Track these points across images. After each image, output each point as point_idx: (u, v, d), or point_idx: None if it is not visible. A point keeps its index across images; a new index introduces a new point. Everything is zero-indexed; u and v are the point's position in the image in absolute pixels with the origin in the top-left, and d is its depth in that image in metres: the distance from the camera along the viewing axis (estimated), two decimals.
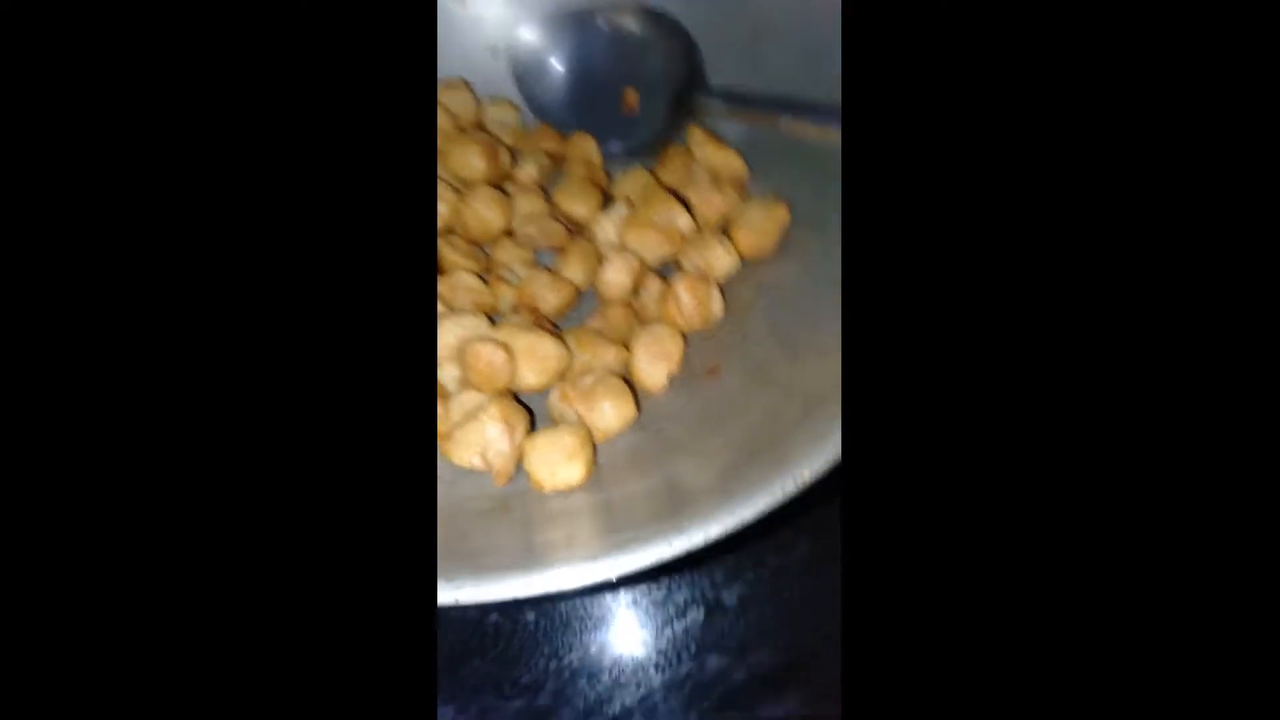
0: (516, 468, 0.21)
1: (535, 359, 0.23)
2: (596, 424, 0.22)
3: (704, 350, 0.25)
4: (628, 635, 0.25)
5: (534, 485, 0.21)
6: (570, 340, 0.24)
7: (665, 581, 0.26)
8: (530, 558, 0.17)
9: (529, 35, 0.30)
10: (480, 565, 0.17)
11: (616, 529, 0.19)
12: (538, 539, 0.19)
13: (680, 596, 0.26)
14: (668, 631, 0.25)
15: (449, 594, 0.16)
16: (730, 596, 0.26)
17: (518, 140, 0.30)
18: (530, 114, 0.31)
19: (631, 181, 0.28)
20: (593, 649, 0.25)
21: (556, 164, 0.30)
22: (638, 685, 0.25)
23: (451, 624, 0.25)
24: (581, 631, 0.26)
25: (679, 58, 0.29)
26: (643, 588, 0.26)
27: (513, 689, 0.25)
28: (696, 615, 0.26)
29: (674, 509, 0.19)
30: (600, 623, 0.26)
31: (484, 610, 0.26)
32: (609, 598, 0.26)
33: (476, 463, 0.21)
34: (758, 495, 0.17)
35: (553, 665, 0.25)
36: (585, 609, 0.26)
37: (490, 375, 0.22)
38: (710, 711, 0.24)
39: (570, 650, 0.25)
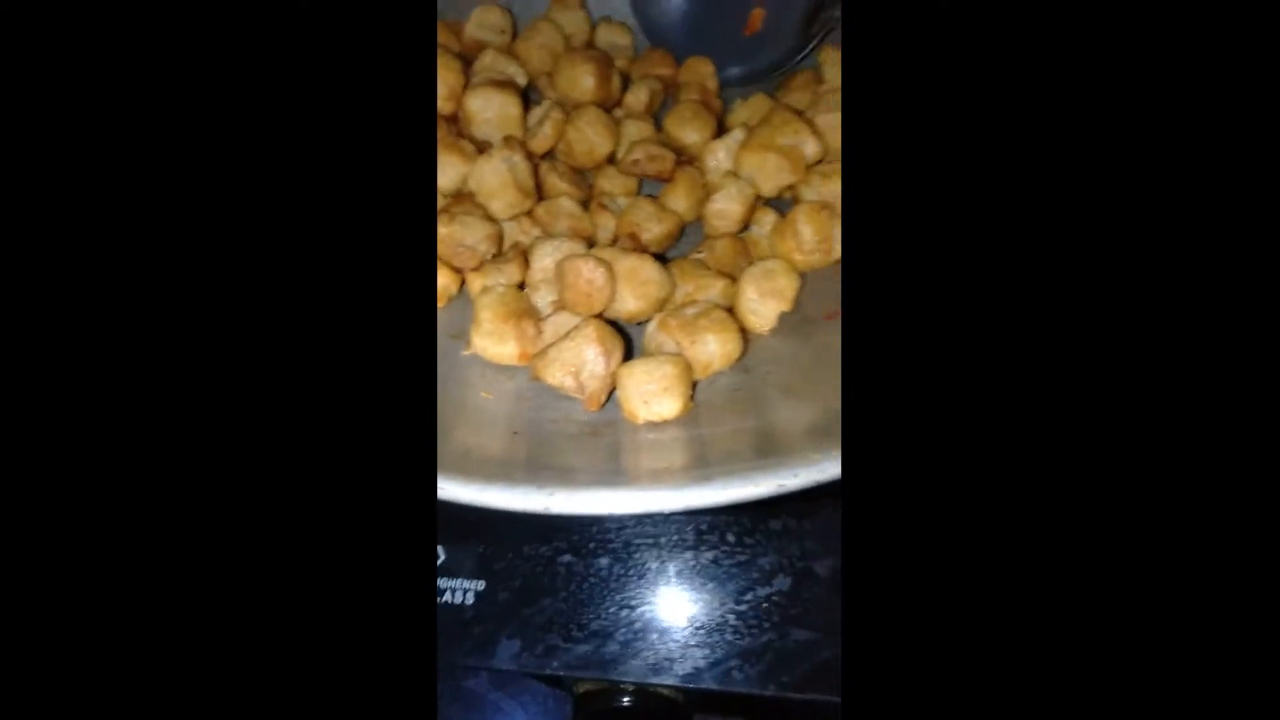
0: (609, 395, 0.20)
1: (636, 282, 0.21)
2: (698, 358, 0.20)
3: (823, 292, 0.22)
4: (706, 595, 0.24)
5: (626, 415, 0.19)
6: (674, 271, 0.22)
7: (750, 543, 0.24)
8: (618, 478, 0.16)
9: None
10: (570, 480, 0.15)
11: (697, 465, 0.17)
12: (625, 464, 0.18)
13: (766, 561, 0.24)
14: (750, 596, 0.23)
15: (540, 501, 0.15)
16: (822, 567, 0.23)
17: (629, 64, 0.28)
18: (644, 38, 0.29)
19: (751, 108, 0.26)
20: (666, 604, 0.24)
21: (669, 90, 0.28)
22: (711, 648, 0.23)
23: (524, 560, 0.25)
24: (656, 584, 0.24)
25: None
26: (725, 546, 0.24)
27: (581, 632, 0.24)
28: (782, 584, 0.23)
29: (767, 453, 0.17)
30: (676, 578, 0.24)
31: (557, 550, 0.25)
32: (689, 553, 0.24)
33: (568, 384, 0.20)
34: (831, 462, 0.15)
35: (624, 615, 0.24)
36: (661, 561, 0.24)
37: (589, 294, 0.21)
38: (791, 687, 0.22)
39: (643, 602, 0.24)
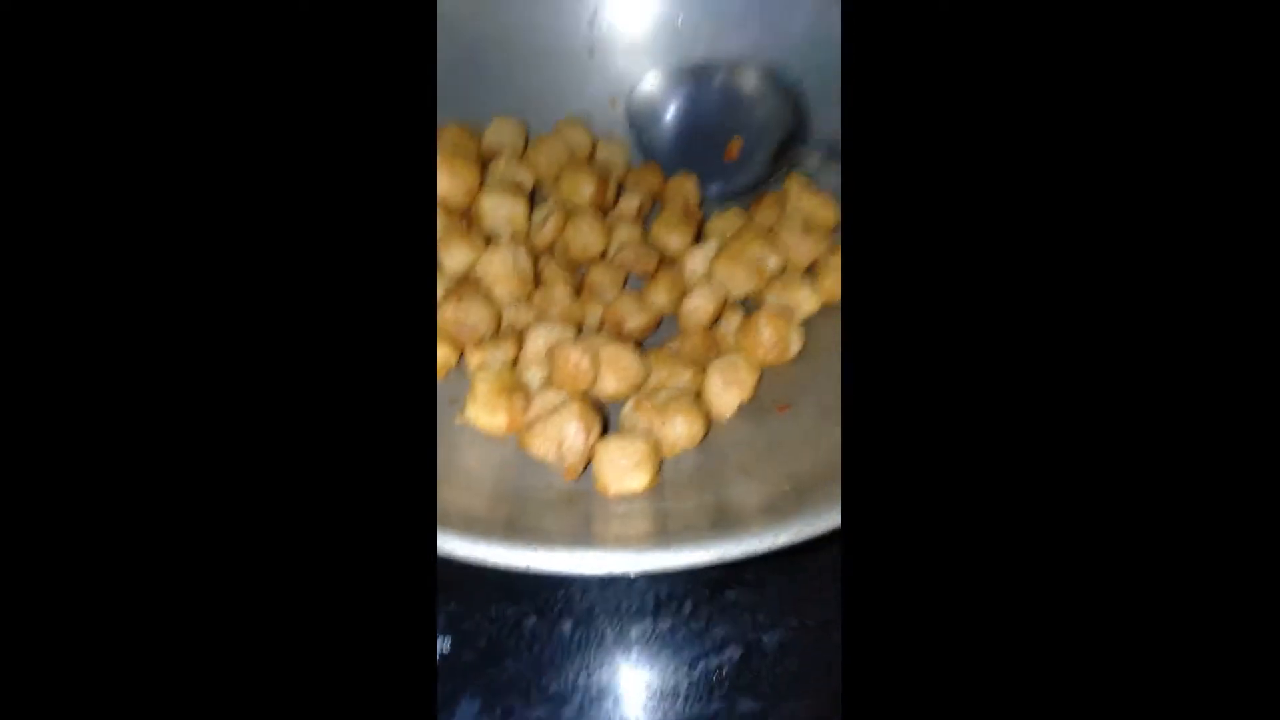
0: (586, 466, 0.22)
1: (617, 368, 0.24)
2: (666, 437, 0.23)
3: (777, 386, 0.26)
4: (661, 662, 0.25)
5: (599, 487, 0.22)
6: (650, 358, 0.25)
7: (705, 613, 0.26)
8: (587, 540, 0.18)
9: (649, 85, 0.33)
10: (545, 541, 0.17)
11: (662, 534, 0.19)
12: (586, 530, 0.20)
13: (719, 631, 0.25)
14: (701, 665, 0.25)
15: (513, 557, 0.17)
16: (771, 640, 0.25)
17: (624, 175, 0.33)
18: (639, 154, 0.33)
19: (726, 221, 0.30)
20: (624, 670, 0.25)
21: (656, 199, 0.32)
22: (664, 715, 0.24)
23: (490, 621, 0.26)
24: (615, 650, 0.25)
25: (786, 112, 0.31)
26: (680, 615, 0.26)
27: (540, 695, 0.25)
28: (733, 654, 0.25)
29: (723, 524, 0.19)
30: (635, 645, 0.25)
31: (523, 611, 0.26)
32: (647, 620, 0.26)
33: (550, 456, 0.22)
34: (804, 521, 0.18)
35: (582, 679, 0.25)
36: (621, 628, 0.26)
37: (574, 377, 0.23)
38: None
39: (601, 667, 0.25)
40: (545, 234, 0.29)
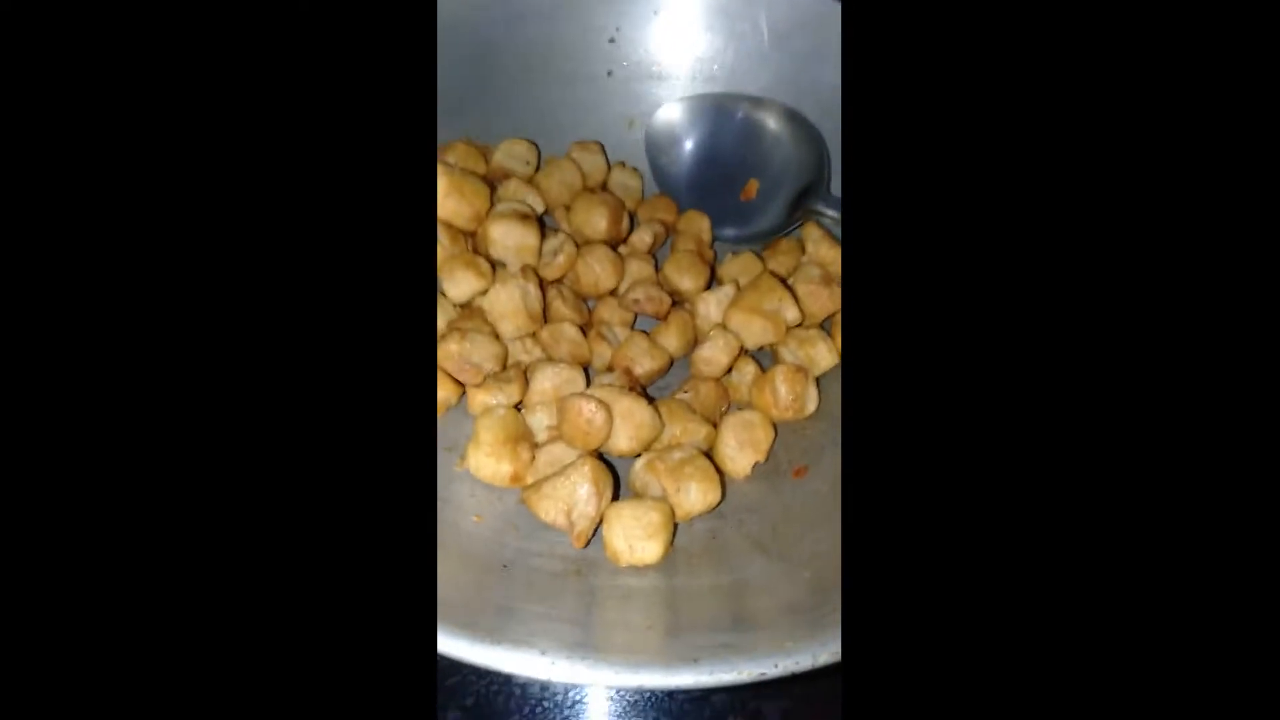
0: (595, 532, 0.21)
1: (631, 424, 0.23)
2: (680, 503, 0.22)
3: (792, 445, 0.25)
4: None
5: (609, 555, 0.20)
6: (662, 410, 0.24)
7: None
8: (587, 641, 0.17)
9: (668, 113, 0.32)
10: (540, 637, 0.16)
11: (678, 629, 0.18)
12: (596, 617, 0.19)
13: (718, 699, 0.25)
14: None
15: (522, 664, 0.15)
16: (773, 711, 0.24)
17: (636, 205, 0.31)
18: (652, 184, 0.32)
19: (740, 265, 0.29)
20: None
21: (669, 233, 0.31)
22: None
23: (480, 677, 0.25)
24: (608, 714, 0.24)
25: (808, 159, 0.30)
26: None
27: None
28: None
29: (737, 626, 0.18)
30: (631, 711, 0.24)
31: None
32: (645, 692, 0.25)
33: (560, 521, 0.21)
34: (819, 646, 0.17)
35: None
36: (617, 690, 0.25)
37: (587, 433, 0.22)
38: None
39: None
40: (556, 266, 0.28)
